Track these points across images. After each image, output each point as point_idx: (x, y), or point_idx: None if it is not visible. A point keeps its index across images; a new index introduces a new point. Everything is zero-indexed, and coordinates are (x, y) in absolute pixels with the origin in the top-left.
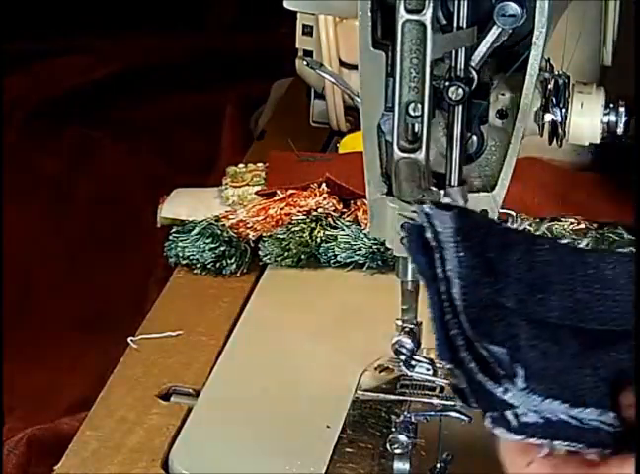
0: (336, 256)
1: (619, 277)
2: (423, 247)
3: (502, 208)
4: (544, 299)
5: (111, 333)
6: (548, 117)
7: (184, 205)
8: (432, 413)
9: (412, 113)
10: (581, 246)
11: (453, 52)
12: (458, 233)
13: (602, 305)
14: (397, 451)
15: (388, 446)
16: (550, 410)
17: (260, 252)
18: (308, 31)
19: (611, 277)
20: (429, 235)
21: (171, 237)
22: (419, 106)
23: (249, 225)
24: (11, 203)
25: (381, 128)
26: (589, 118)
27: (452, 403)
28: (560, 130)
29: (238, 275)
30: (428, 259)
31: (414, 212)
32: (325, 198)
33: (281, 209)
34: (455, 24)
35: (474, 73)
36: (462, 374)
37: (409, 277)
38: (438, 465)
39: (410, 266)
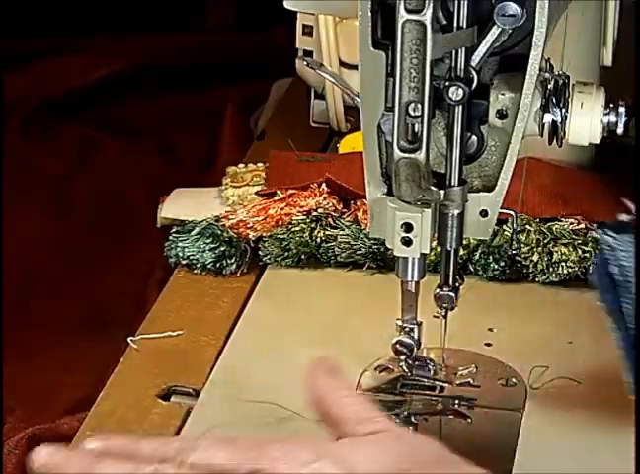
0: (336, 256)
1: None
2: (609, 282)
3: (502, 208)
4: None
5: (111, 333)
6: (548, 117)
7: (184, 205)
8: (432, 413)
9: (412, 113)
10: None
11: (453, 52)
12: None
13: None
14: None
15: None
16: None
17: (260, 252)
18: (308, 31)
19: None
20: (615, 270)
21: (171, 237)
22: (419, 106)
23: (249, 225)
24: (11, 203)
25: (381, 128)
26: (589, 118)
27: (452, 403)
28: (560, 130)
29: (238, 275)
30: (615, 295)
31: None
32: (325, 198)
33: (281, 209)
34: (455, 24)
35: (474, 73)
36: None
37: (409, 278)
38: None
39: (410, 265)
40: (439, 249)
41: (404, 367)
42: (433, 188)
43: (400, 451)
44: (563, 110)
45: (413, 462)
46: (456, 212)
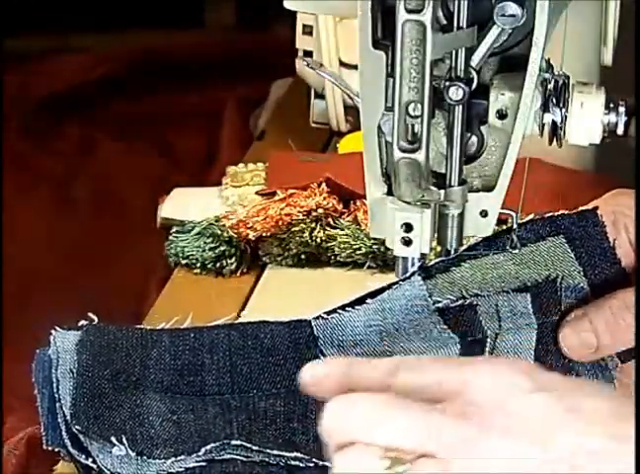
0: (336, 256)
1: (279, 345)
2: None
3: (502, 208)
4: (195, 380)
5: None
6: (548, 117)
7: (184, 205)
8: None
9: (412, 113)
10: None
11: (453, 52)
12: (78, 349)
13: (266, 372)
14: None
15: None
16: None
17: (260, 252)
18: (308, 31)
19: (271, 345)
20: (52, 354)
21: (171, 237)
22: (419, 106)
23: (249, 225)
24: (11, 203)
25: (381, 128)
26: (589, 119)
27: None
28: (560, 130)
29: (238, 275)
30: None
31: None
32: (325, 198)
33: (281, 209)
34: (455, 24)
35: (474, 73)
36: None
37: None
38: None
39: (410, 265)
40: (439, 249)
41: None
42: (433, 188)
43: (612, 400)
44: (563, 110)
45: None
46: (456, 212)
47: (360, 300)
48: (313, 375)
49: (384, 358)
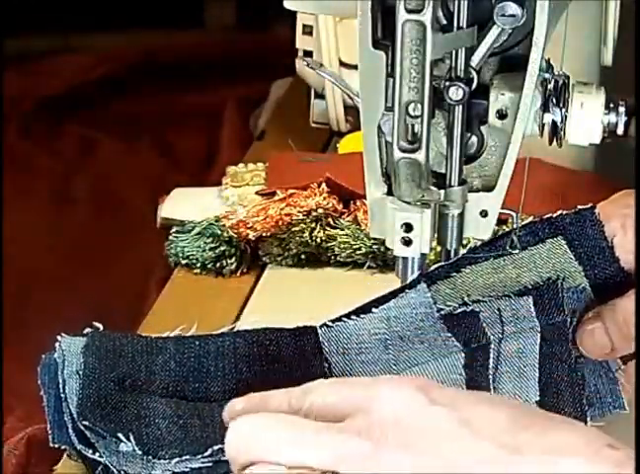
0: (336, 256)
1: (284, 352)
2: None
3: (502, 208)
4: (200, 386)
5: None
6: (548, 117)
7: (184, 205)
8: None
9: (412, 113)
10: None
11: (453, 52)
12: (84, 352)
13: (271, 379)
14: None
15: None
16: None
17: (260, 252)
18: (308, 31)
19: (276, 353)
20: (58, 358)
21: (171, 237)
22: (419, 106)
23: (249, 225)
24: (11, 203)
25: (381, 128)
26: (589, 119)
27: None
28: (560, 130)
29: (238, 275)
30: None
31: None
32: (325, 198)
33: (281, 209)
34: (455, 24)
35: (474, 73)
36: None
37: (409, 278)
38: None
39: (410, 265)
40: (439, 249)
41: None
42: (433, 188)
43: (510, 409)
44: (563, 110)
45: (530, 416)
46: (456, 212)
47: (366, 308)
48: (232, 413)
49: (296, 387)
